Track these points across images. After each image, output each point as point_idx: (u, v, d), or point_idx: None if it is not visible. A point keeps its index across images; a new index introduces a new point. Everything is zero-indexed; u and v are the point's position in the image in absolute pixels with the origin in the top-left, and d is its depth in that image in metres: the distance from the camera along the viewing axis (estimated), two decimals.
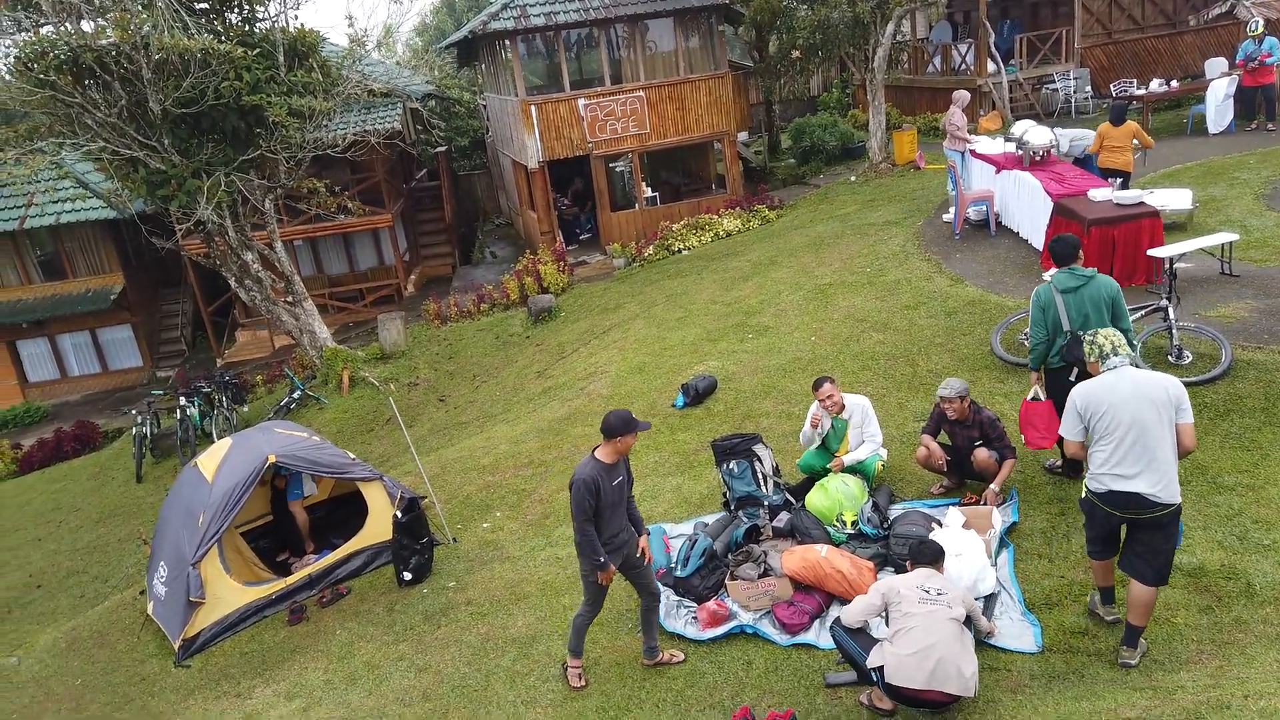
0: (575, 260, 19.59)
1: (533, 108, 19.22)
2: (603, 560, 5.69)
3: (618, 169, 20.90)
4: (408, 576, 8.13)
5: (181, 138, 14.25)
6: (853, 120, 23.86)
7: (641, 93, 19.50)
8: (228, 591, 8.03)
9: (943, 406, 7.05)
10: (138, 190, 14.65)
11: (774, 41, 23.11)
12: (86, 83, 13.48)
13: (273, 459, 8.30)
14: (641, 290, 16.13)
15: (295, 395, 15.87)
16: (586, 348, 14.14)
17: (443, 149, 25.47)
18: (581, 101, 19.29)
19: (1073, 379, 6.47)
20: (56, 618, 10.94)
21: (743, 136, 25.75)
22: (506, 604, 7.47)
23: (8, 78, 13.92)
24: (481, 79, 26.78)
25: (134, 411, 16.43)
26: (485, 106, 27.37)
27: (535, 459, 10.14)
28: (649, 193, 20.52)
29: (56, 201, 21.66)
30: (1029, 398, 6.97)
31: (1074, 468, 7.03)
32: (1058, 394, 6.62)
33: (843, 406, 7.55)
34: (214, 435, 15.66)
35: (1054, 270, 6.81)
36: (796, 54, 21.23)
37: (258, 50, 13.68)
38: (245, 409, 16.76)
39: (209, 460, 8.64)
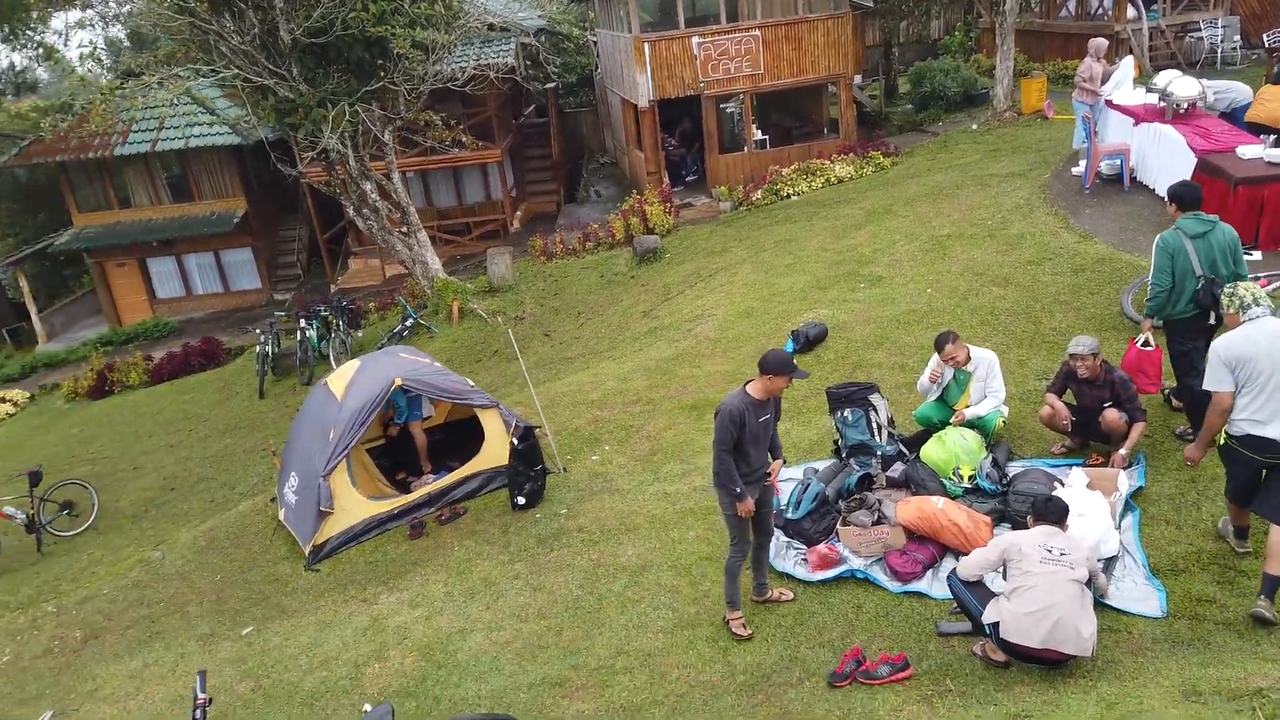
0: (680, 202, 19.51)
1: (645, 45, 19.03)
2: (739, 490, 5.68)
3: (728, 110, 20.60)
4: (521, 501, 8.44)
5: (309, 67, 14.66)
6: (975, 66, 22.86)
7: (757, 31, 19.08)
8: (354, 504, 8.49)
9: (1073, 364, 6.87)
10: (267, 117, 15.19)
11: None
12: (222, 10, 13.95)
13: (399, 382, 8.65)
14: (749, 235, 16.01)
15: (408, 323, 16.40)
16: (693, 290, 14.17)
17: (553, 85, 25.50)
18: (695, 40, 19.00)
19: (1211, 323, 6.56)
20: (189, 519, 11.73)
21: (856, 80, 25.00)
22: (616, 533, 7.70)
23: (150, 3, 14.51)
24: (594, 14, 26.58)
25: (257, 331, 17.25)
26: (595, 43, 27.21)
27: (643, 397, 10.30)
28: (759, 135, 20.19)
29: (186, 126, 22.61)
30: (1139, 343, 6.97)
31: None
32: (1182, 341, 6.71)
33: (968, 358, 7.43)
34: (330, 357, 16.38)
35: (1180, 215, 6.68)
36: None
37: None
38: (360, 334, 17.42)
39: (338, 380, 9.07)
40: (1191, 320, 6.63)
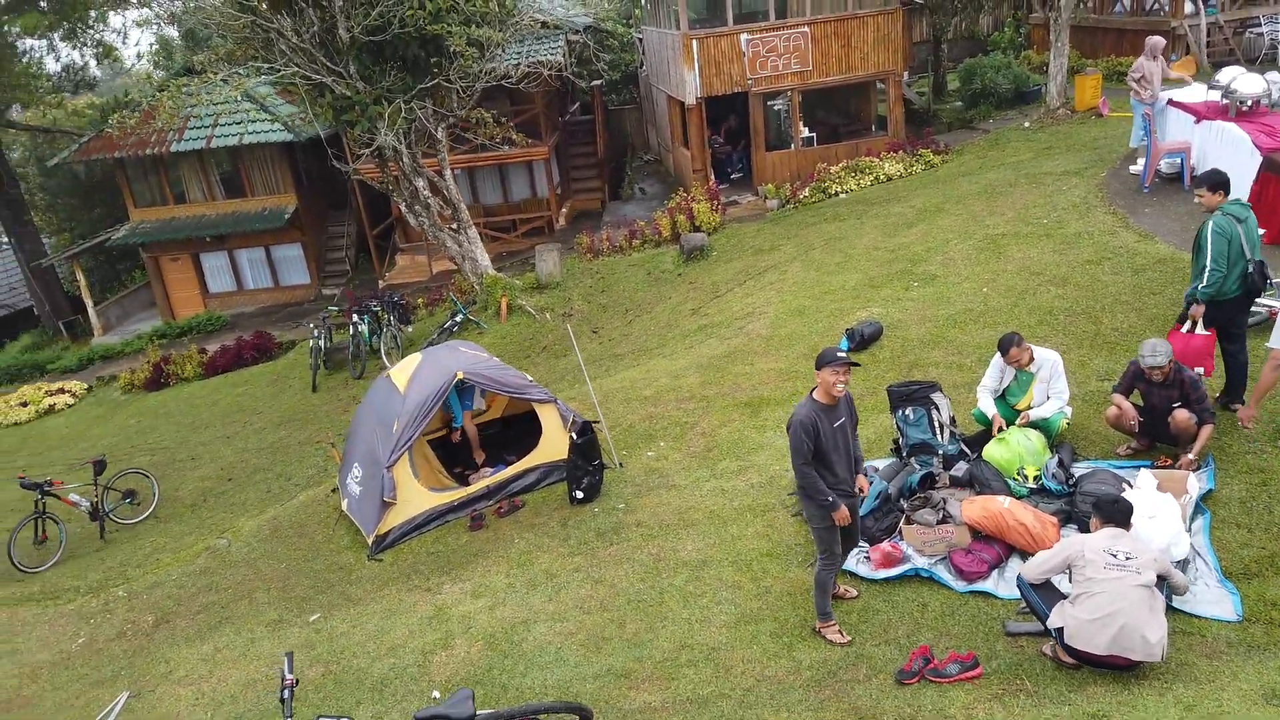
0: (726, 199, 19.52)
1: (694, 42, 19.05)
2: (830, 499, 5.57)
3: (775, 107, 20.55)
4: (579, 495, 8.53)
5: (366, 65, 14.88)
6: (1026, 62, 22.58)
7: (806, 28, 19.02)
8: (415, 495, 8.64)
9: (1148, 373, 6.76)
10: (324, 115, 15.44)
11: None
12: (283, 9, 14.21)
13: (460, 375, 8.80)
14: (797, 233, 15.98)
15: (457, 319, 16.60)
16: (742, 288, 14.19)
17: (599, 83, 25.60)
18: (744, 36, 18.99)
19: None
20: (247, 508, 11.98)
21: (904, 77, 24.78)
22: (675, 529, 7.76)
23: (214, 2, 14.82)
24: (641, 12, 26.64)
25: (310, 326, 17.55)
26: (641, 40, 27.27)
27: (696, 394, 10.35)
28: (806, 132, 20.12)
29: (240, 123, 23.05)
30: (1184, 329, 7.14)
31: None
32: (1227, 319, 7.04)
33: (1031, 359, 7.38)
34: (381, 351, 16.63)
35: (1222, 201, 7.00)
36: None
37: None
38: (410, 329, 17.66)
39: (400, 373, 9.22)
40: (1237, 300, 6.98)
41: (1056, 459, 6.96)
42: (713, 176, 20.11)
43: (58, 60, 29.56)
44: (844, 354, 5.60)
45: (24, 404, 19.94)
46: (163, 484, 13.37)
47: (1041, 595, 5.43)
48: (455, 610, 7.26)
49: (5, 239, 29.78)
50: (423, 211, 16.80)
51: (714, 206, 18.07)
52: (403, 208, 17.14)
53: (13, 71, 24.75)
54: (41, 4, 25.70)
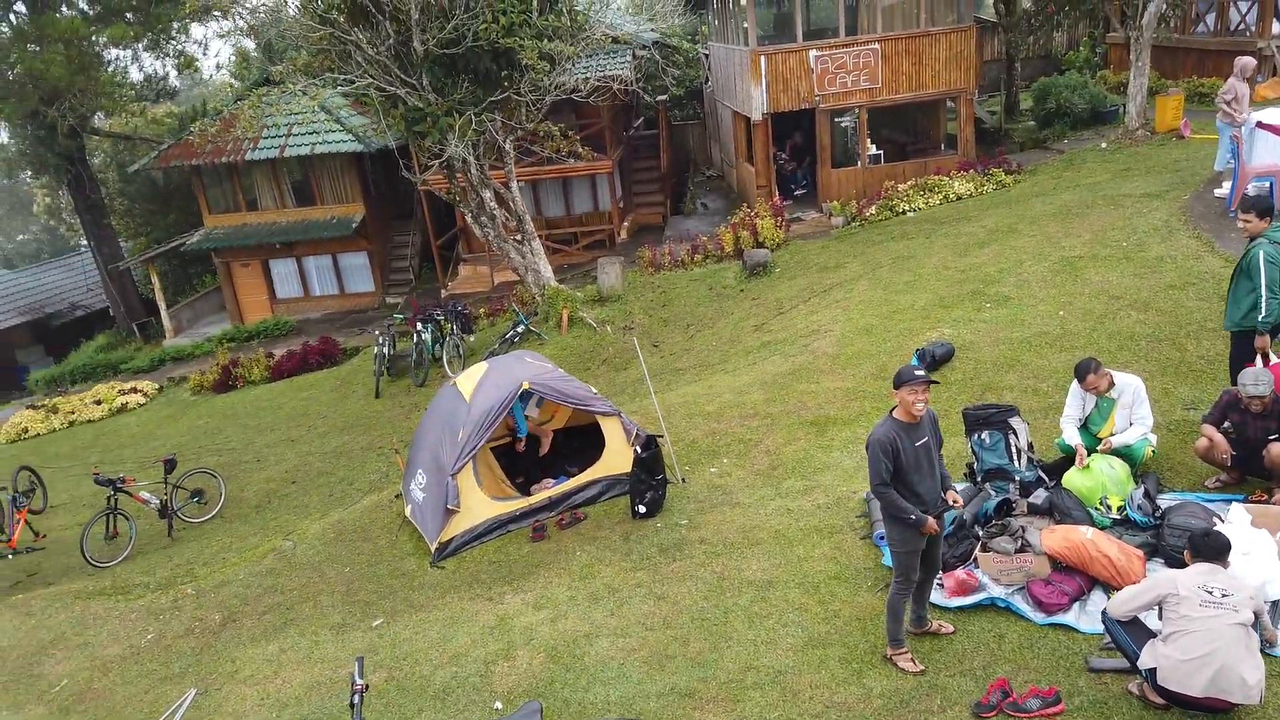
0: (790, 216, 19.35)
1: (762, 58, 19.00)
2: (915, 517, 5.38)
3: (842, 124, 20.38)
4: (642, 510, 8.46)
5: (439, 77, 15.10)
6: (1102, 82, 22.05)
7: (876, 45, 18.83)
8: (478, 503, 8.65)
9: (1247, 403, 6.48)
10: (396, 126, 15.70)
11: None
12: (360, 22, 14.51)
13: (526, 385, 8.80)
14: (864, 250, 15.77)
15: (519, 329, 16.69)
16: (806, 305, 14.02)
17: (664, 98, 25.67)
18: (813, 53, 18.87)
19: None
20: (310, 511, 12.14)
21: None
22: (739, 547, 7.64)
23: (293, 14, 15.19)
24: (707, 28, 26.68)
25: (376, 333, 17.80)
26: (707, 56, 27.30)
27: (761, 411, 10.22)
28: (873, 150, 19.89)
29: (312, 133, 23.58)
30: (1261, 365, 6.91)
31: None
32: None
33: (1111, 384, 7.13)
34: (444, 360, 16.78)
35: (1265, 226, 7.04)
36: (1051, 8, 19.77)
37: None
38: (472, 338, 17.81)
39: (467, 381, 9.27)
40: None
41: (1142, 490, 6.69)
42: (777, 192, 19.97)
43: (141, 70, 30.53)
44: (922, 372, 5.44)
45: (98, 402, 20.56)
46: (229, 484, 13.63)
47: (1129, 632, 5.21)
48: (517, 621, 7.22)
49: (85, 242, 30.86)
50: (488, 222, 16.96)
51: (778, 223, 17.94)
52: (469, 218, 17.32)
53: (99, 80, 25.67)
54: (128, 15, 26.65)
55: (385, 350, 17.19)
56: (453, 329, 17.29)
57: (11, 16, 26.20)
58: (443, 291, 23.44)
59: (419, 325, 17.14)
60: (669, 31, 30.78)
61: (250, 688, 7.05)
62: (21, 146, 27.52)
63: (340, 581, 8.54)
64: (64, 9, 26.10)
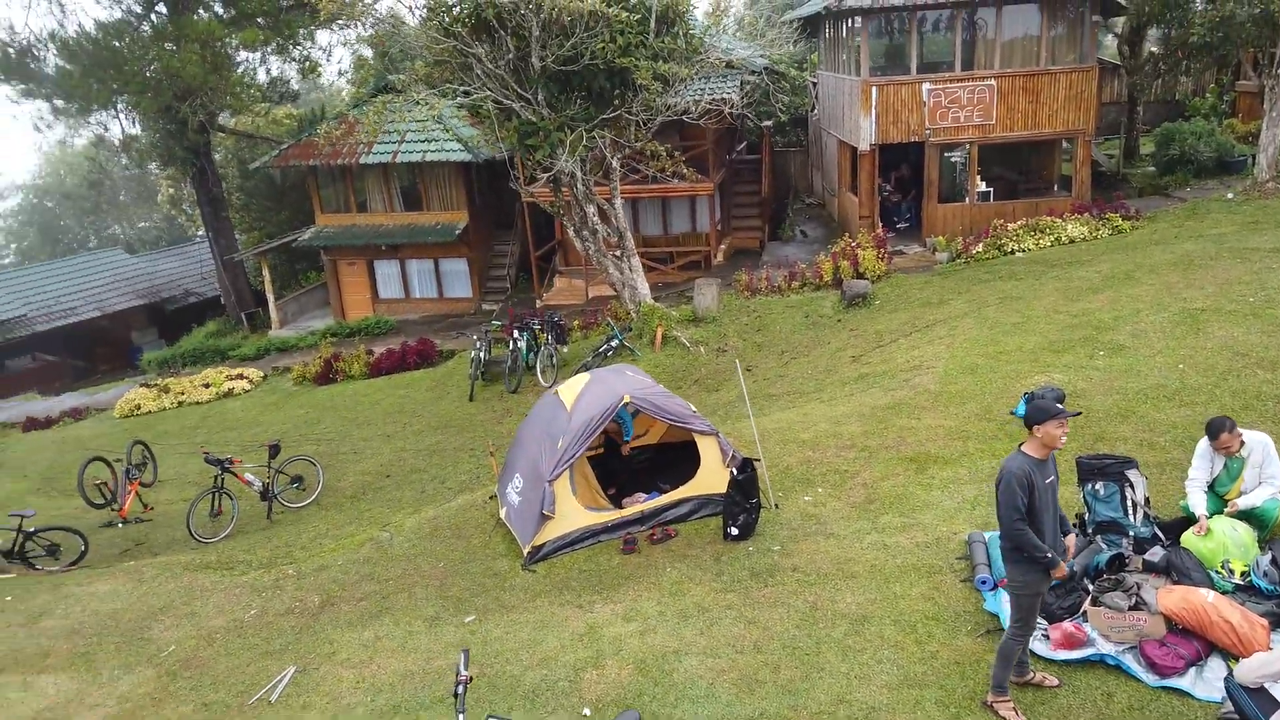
0: (892, 249, 19.12)
1: (874, 89, 18.88)
2: (1050, 555, 5.22)
3: (951, 159, 20.07)
4: (734, 532, 8.43)
5: (553, 93, 15.45)
6: (1230, 130, 21.22)
7: (993, 81, 18.51)
8: (572, 511, 8.75)
9: None
10: (509, 138, 16.09)
11: (1155, 36, 20.98)
12: (483, 37, 14.96)
13: (627, 399, 8.88)
14: (969, 288, 15.46)
15: (612, 343, 16.85)
16: (907, 339, 13.81)
17: (769, 124, 25.70)
18: (926, 86, 18.66)
19: None
20: (403, 505, 12.45)
21: None
22: (833, 578, 7.54)
23: (417, 26, 15.75)
24: (818, 56, 26.64)
25: (474, 338, 18.20)
26: (814, 84, 27.24)
27: (858, 443, 10.09)
28: (982, 187, 19.53)
29: (424, 141, 24.35)
30: None
31: None
32: None
33: (1241, 444, 6.83)
34: (537, 369, 17.05)
35: None
36: (1180, 52, 19.15)
37: (636, 15, 14.46)
38: (565, 349, 18.05)
39: (568, 391, 9.40)
40: None
41: (1269, 556, 6.37)
42: (880, 224, 19.75)
43: (267, 72, 31.95)
44: (1064, 408, 5.29)
45: (206, 385, 21.50)
46: (326, 473, 14.08)
47: (1256, 701, 4.97)
48: (606, 630, 7.27)
49: (203, 232, 32.40)
50: (590, 237, 17.22)
51: (880, 254, 17.74)
52: (570, 232, 17.62)
53: (229, 80, 27.06)
54: (259, 20, 28.06)
55: (481, 355, 17.56)
56: (547, 339, 17.57)
57: (153, 16, 27.83)
58: (537, 301, 23.84)
59: (515, 333, 17.46)
60: (778, 58, 30.87)
61: (347, 670, 7.26)
62: (153, 139, 29.08)
63: (434, 575, 8.73)
64: (201, 12, 27.60)
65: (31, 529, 11.66)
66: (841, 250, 18.38)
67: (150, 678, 7.57)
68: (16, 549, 11.44)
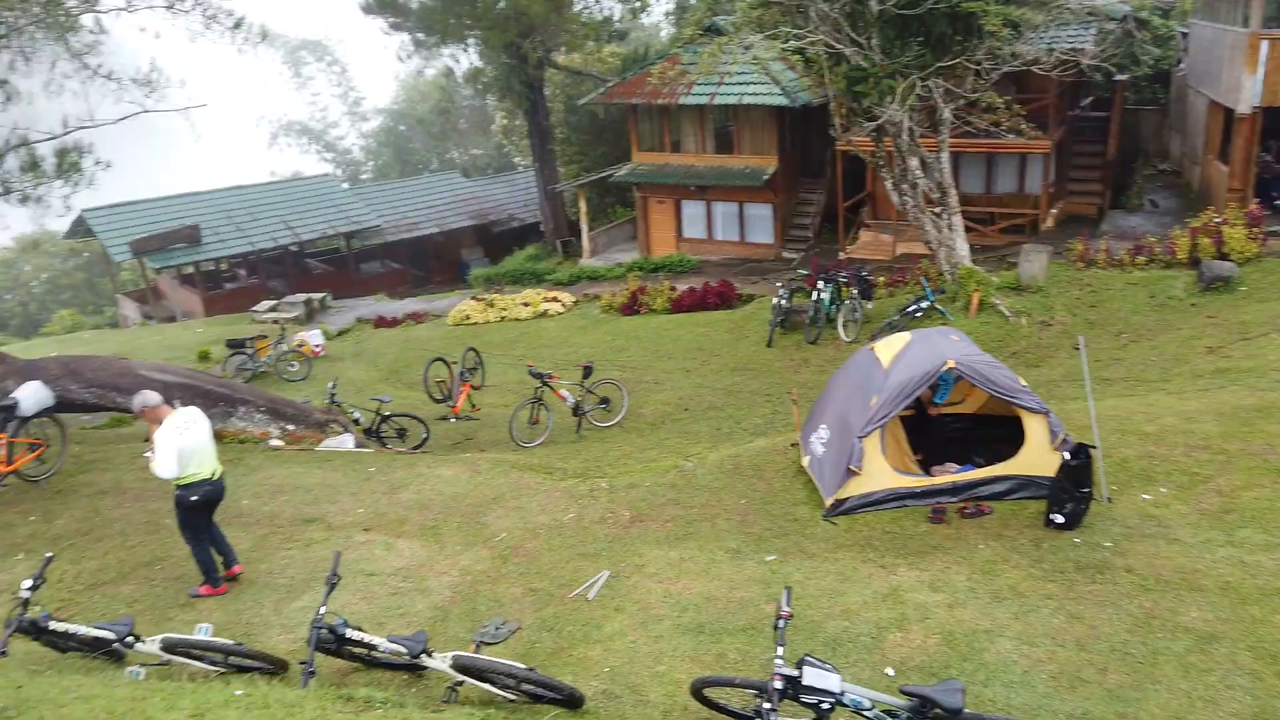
0: (1267, 228, 16.57)
1: (1264, 43, 16.27)
2: None
3: None
4: (1059, 520, 7.87)
5: (888, 38, 14.86)
6: None
7: None
8: (880, 471, 8.58)
9: None
10: (837, 84, 15.73)
11: None
12: None
13: (951, 364, 8.50)
14: None
15: (922, 304, 16.17)
16: None
17: (1123, 78, 23.06)
18: None
19: None
20: (699, 439, 12.86)
21: None
22: (1176, 588, 6.85)
23: None
24: (1192, 3, 23.41)
25: (778, 285, 18.25)
26: (1185, 34, 24.00)
27: (1214, 445, 8.97)
28: None
29: (741, 84, 24.43)
30: None
31: None
32: None
33: None
34: (838, 323, 16.80)
35: None
36: None
37: None
38: (870, 305, 17.60)
39: (886, 349, 9.16)
40: None
41: None
42: (1254, 199, 17.19)
43: (601, 11, 33.45)
44: None
45: (525, 304, 23.39)
46: (630, 399, 14.87)
47: None
48: (911, 596, 7.13)
49: (528, 162, 34.94)
50: (909, 191, 16.52)
51: (1252, 234, 15.46)
52: (888, 185, 16.98)
53: (568, 19, 28.71)
54: None
55: (783, 303, 17.56)
56: (852, 293, 17.20)
57: None
58: (840, 254, 23.39)
59: (819, 284, 17.26)
60: (1141, 5, 27.51)
61: (655, 583, 7.71)
62: (495, 72, 31.56)
63: (736, 511, 8.98)
64: None
65: (388, 413, 13.43)
66: (1203, 225, 16.23)
67: (485, 557, 8.49)
68: (375, 428, 13.24)
